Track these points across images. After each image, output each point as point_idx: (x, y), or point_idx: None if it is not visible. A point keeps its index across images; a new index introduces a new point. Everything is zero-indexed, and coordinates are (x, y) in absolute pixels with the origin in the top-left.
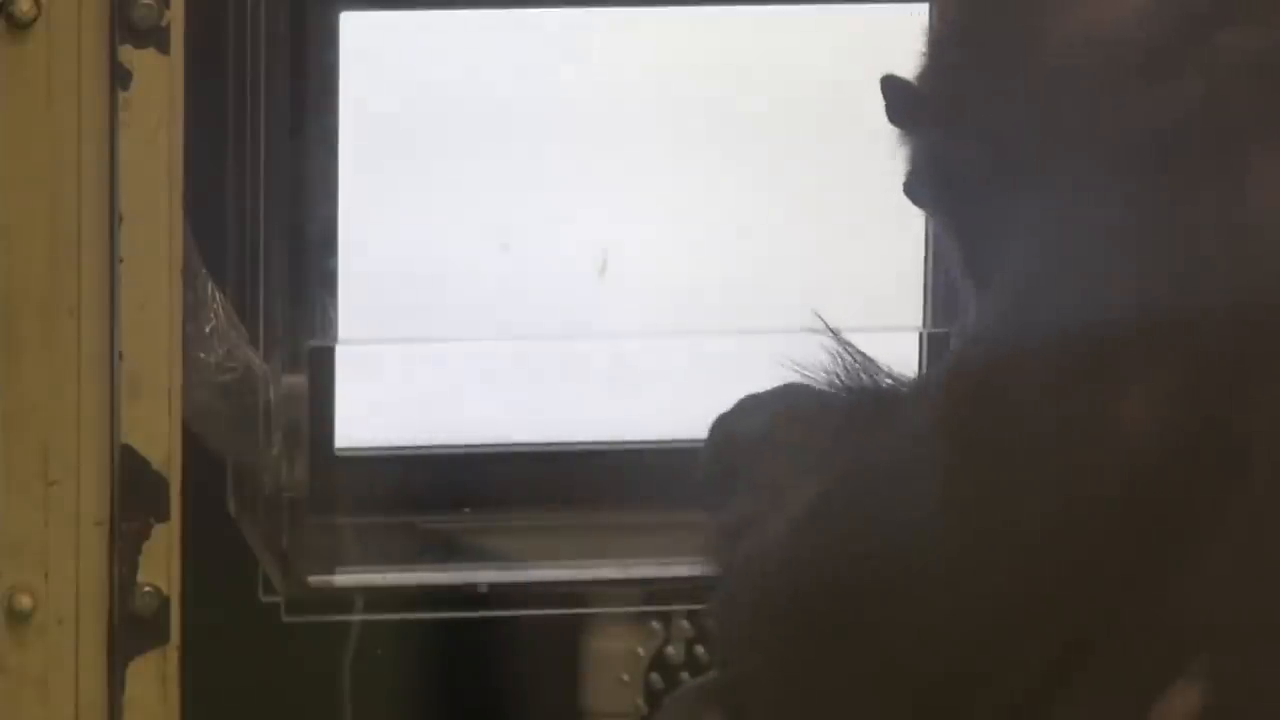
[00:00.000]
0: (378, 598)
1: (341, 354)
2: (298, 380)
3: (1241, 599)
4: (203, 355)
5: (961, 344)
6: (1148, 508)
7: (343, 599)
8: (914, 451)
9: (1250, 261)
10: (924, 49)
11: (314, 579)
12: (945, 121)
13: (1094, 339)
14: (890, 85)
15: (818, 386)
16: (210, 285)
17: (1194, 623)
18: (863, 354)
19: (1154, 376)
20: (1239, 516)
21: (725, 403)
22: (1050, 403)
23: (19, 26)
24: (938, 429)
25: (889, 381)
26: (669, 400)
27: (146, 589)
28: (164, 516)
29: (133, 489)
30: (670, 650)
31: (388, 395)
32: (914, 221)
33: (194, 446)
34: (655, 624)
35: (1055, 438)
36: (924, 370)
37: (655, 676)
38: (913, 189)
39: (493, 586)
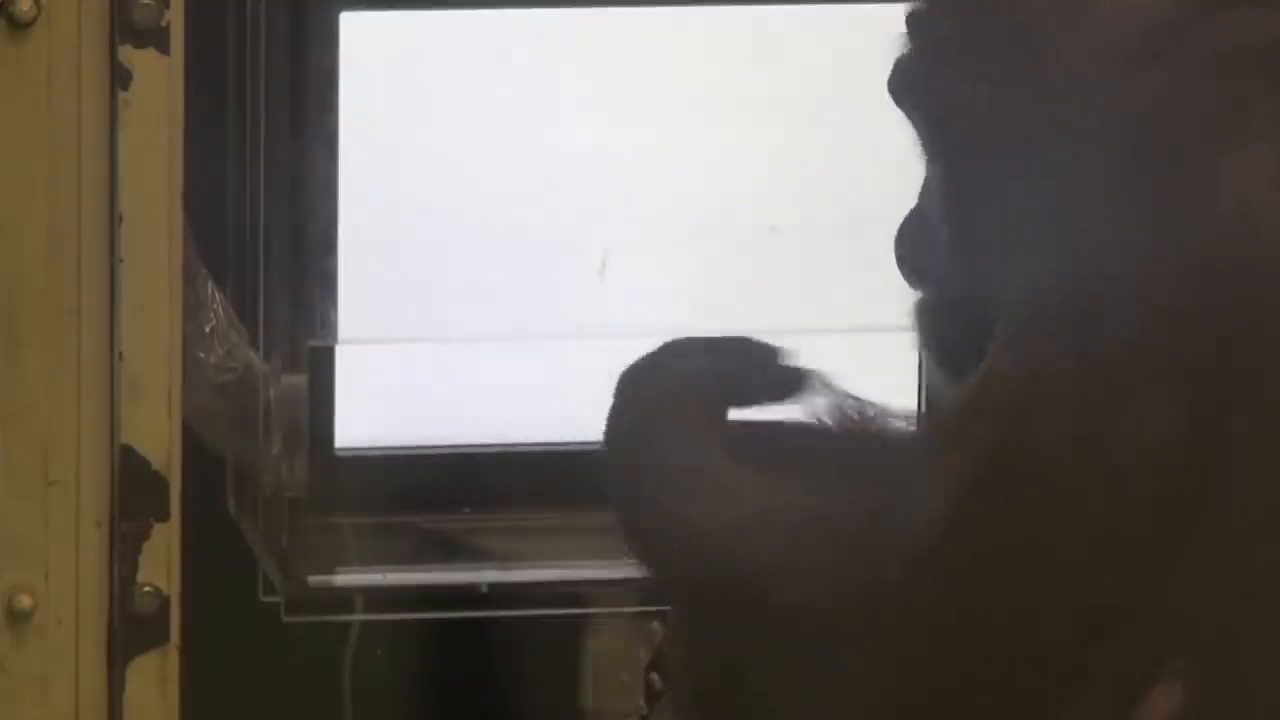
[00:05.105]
0: (378, 598)
1: (341, 354)
2: (298, 380)
3: (1223, 600)
4: (203, 355)
5: (981, 373)
6: (1149, 513)
7: (343, 599)
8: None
9: (1223, 269)
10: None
11: (314, 579)
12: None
13: (1103, 357)
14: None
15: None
16: (210, 285)
17: (1177, 624)
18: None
19: (1153, 386)
20: (1220, 517)
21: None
22: (1072, 425)
23: (19, 26)
24: (958, 447)
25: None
26: None
27: (146, 589)
28: (164, 516)
29: (133, 489)
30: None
31: (388, 395)
32: None
33: (194, 446)
34: (655, 624)
35: (1081, 457)
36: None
37: (655, 676)
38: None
39: (493, 586)
